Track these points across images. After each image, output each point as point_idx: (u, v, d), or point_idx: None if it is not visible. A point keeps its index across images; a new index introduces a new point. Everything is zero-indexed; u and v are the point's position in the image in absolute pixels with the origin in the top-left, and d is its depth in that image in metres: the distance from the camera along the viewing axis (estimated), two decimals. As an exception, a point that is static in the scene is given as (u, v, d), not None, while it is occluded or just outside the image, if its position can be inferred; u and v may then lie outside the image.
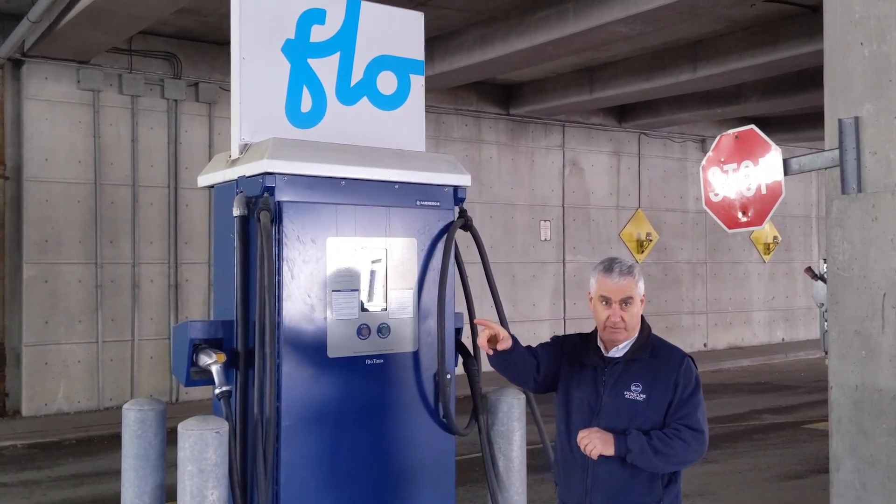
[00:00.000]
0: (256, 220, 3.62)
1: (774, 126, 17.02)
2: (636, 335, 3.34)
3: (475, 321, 3.49)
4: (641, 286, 3.33)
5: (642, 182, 17.48)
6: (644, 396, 3.23)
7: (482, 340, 3.34)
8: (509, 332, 3.40)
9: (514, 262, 15.50)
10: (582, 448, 3.19)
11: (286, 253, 3.68)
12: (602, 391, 3.30)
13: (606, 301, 3.28)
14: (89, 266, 11.57)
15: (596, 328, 3.42)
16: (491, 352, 3.36)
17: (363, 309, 3.88)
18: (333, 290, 3.79)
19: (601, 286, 3.30)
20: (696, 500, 7.26)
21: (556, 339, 3.56)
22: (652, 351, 3.31)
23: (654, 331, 3.44)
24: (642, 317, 3.37)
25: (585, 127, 16.54)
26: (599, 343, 3.40)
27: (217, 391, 3.66)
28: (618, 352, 3.34)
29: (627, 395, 3.25)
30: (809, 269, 12.64)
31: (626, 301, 3.27)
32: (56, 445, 9.89)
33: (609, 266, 3.32)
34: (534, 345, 3.52)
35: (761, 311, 19.49)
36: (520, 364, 3.42)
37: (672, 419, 3.21)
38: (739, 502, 7.34)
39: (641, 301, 3.32)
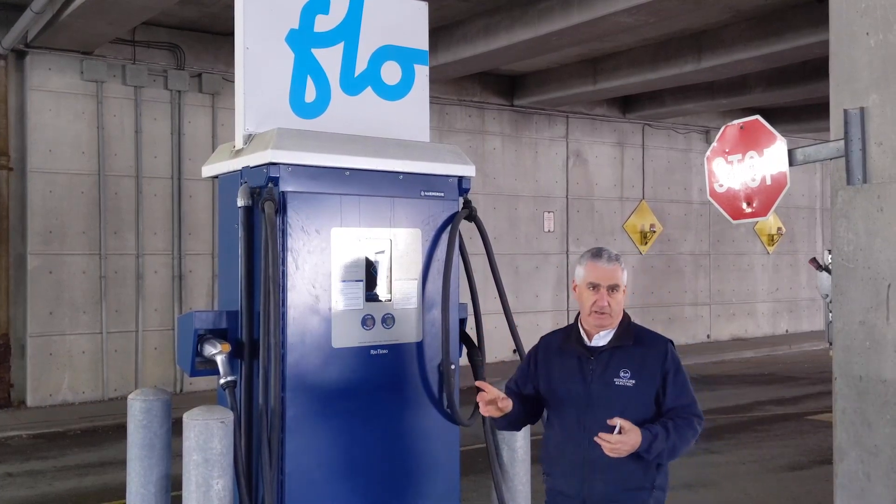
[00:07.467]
0: (261, 210, 3.62)
1: (779, 117, 16.96)
2: (618, 324, 3.38)
3: (476, 383, 3.48)
4: (626, 276, 3.40)
5: (646, 173, 17.44)
6: (633, 382, 3.27)
7: (485, 407, 3.33)
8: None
9: (518, 253, 15.49)
10: (608, 452, 3.14)
11: (291, 243, 3.68)
12: (590, 380, 3.32)
13: (594, 287, 3.32)
14: (93, 257, 11.59)
15: (577, 319, 3.45)
16: (497, 414, 3.35)
17: (367, 299, 3.88)
18: (338, 281, 3.79)
19: (589, 272, 3.34)
20: (700, 491, 7.27)
21: (528, 355, 3.57)
22: (636, 338, 3.36)
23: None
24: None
25: (589, 118, 16.50)
26: (582, 333, 3.41)
27: (222, 381, 3.67)
28: (601, 340, 3.36)
29: (617, 381, 3.28)
30: (814, 260, 12.59)
31: (613, 287, 3.31)
32: (61, 436, 9.92)
33: (598, 253, 3.38)
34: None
35: (765, 303, 19.46)
36: (521, 415, 3.48)
37: (676, 411, 3.27)
38: (743, 493, 7.35)
39: (624, 291, 3.38)
